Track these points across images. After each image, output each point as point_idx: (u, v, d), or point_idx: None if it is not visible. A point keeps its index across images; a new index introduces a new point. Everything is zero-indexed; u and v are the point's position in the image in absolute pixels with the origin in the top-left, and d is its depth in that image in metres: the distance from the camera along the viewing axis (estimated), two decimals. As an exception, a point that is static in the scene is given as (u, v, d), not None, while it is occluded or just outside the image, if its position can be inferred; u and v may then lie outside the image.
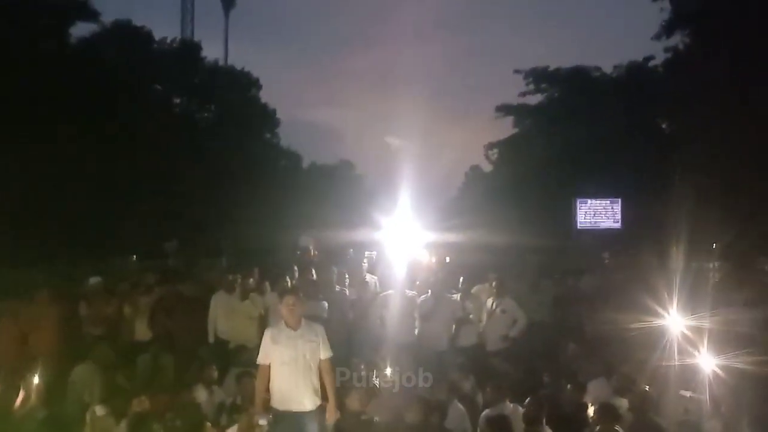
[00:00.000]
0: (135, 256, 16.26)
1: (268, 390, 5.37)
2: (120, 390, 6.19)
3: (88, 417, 5.27)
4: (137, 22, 27.01)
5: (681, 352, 6.18)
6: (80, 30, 24.19)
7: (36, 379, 5.79)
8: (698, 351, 6.29)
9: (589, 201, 19.96)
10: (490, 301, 8.44)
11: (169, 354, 7.62)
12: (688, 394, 5.88)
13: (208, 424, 5.25)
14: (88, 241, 18.42)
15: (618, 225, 19.43)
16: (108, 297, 8.38)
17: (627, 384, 6.32)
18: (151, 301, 8.39)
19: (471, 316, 8.30)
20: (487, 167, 36.80)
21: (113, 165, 20.67)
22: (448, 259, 11.68)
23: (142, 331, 8.24)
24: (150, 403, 5.61)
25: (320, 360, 5.46)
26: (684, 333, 6.39)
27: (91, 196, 19.62)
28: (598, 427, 5.12)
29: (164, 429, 5.25)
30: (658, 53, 22.74)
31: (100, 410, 5.38)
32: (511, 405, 6.04)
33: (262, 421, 5.14)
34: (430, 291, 8.32)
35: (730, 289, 8.07)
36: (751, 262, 10.71)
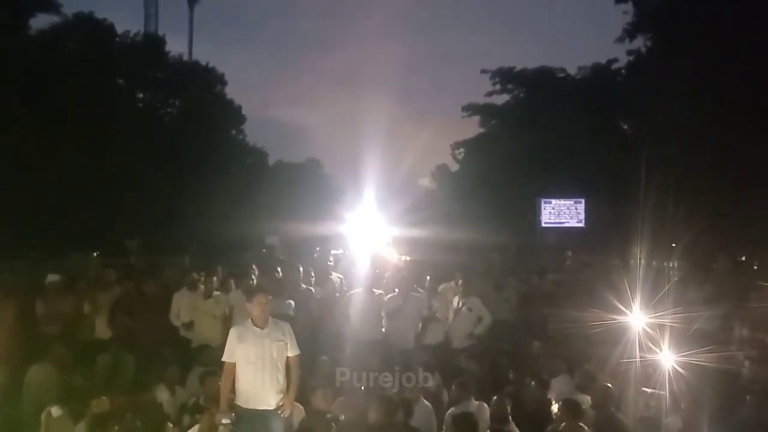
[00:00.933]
0: (96, 254, 15.89)
1: (233, 389, 5.30)
2: (78, 390, 6.00)
3: (43, 418, 5.10)
4: (100, 14, 26.47)
5: (642, 349, 6.26)
6: (41, 21, 23.62)
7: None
8: (659, 348, 6.40)
9: (553, 201, 20.23)
10: (456, 300, 8.47)
11: (129, 353, 7.45)
12: (649, 390, 5.96)
13: (170, 424, 5.12)
14: (47, 238, 17.95)
15: (581, 224, 19.75)
16: (66, 295, 8.15)
17: (589, 381, 6.39)
18: (112, 299, 8.21)
19: (437, 314, 8.31)
20: (454, 166, 37.03)
21: (74, 160, 20.18)
22: (408, 258, 11.69)
23: (101, 329, 8.06)
24: (110, 403, 5.46)
25: (287, 357, 5.45)
26: (645, 330, 6.49)
27: (51, 191, 19.12)
28: (562, 424, 5.14)
29: (124, 430, 5.10)
30: (622, 56, 23.19)
31: (56, 411, 5.21)
32: (477, 403, 6.05)
33: (225, 420, 5.06)
34: (397, 289, 8.28)
35: (690, 288, 8.21)
36: (711, 261, 10.97)
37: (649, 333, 6.50)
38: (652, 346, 6.36)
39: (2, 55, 19.34)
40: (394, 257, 11.32)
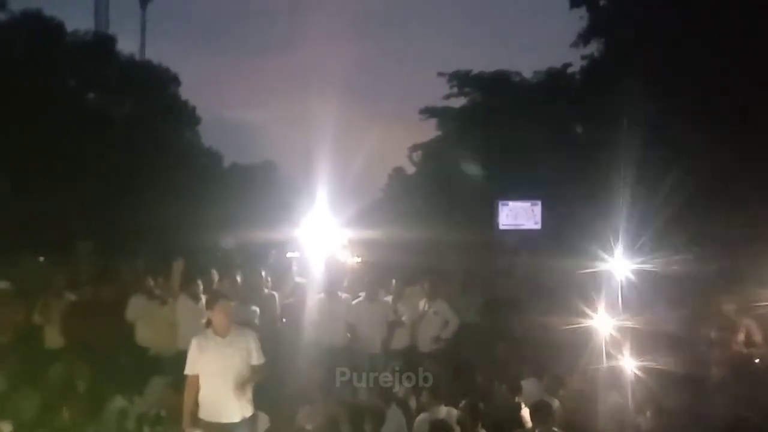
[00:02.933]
0: (42, 258, 15.28)
1: (196, 402, 5.07)
2: (30, 404, 5.68)
3: (-8, 436, 4.80)
4: (48, 12, 25.52)
5: (608, 352, 6.30)
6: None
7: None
8: (624, 351, 6.45)
9: (510, 203, 20.37)
10: (422, 303, 8.40)
11: (84, 362, 7.12)
12: (615, 393, 5.98)
13: None
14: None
15: (538, 226, 19.92)
16: (16, 303, 7.76)
17: (558, 384, 6.39)
18: (63, 306, 7.84)
19: (403, 318, 8.21)
20: (411, 169, 37.07)
21: (22, 161, 19.39)
22: (362, 261, 11.56)
23: (52, 338, 7.69)
24: (67, 416, 5.19)
25: (252, 366, 5.20)
26: (611, 334, 6.53)
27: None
28: (537, 430, 5.10)
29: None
30: (577, 60, 23.55)
31: (6, 427, 4.90)
32: (446, 408, 5.98)
33: None
34: (362, 293, 8.16)
35: (652, 289, 8.33)
36: (671, 262, 11.20)
37: (615, 336, 6.56)
38: (618, 349, 6.42)
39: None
40: (350, 260, 11.19)
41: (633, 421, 5.22)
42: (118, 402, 6.26)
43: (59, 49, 24.96)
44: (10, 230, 18.19)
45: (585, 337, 6.61)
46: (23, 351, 7.11)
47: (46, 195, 19.75)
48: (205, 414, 5.05)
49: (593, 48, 21.89)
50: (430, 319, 8.28)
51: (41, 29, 24.12)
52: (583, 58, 22.63)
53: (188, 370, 5.13)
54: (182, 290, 7.93)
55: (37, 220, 19.32)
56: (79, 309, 7.81)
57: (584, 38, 21.76)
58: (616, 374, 6.08)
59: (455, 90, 28.13)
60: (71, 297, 8.10)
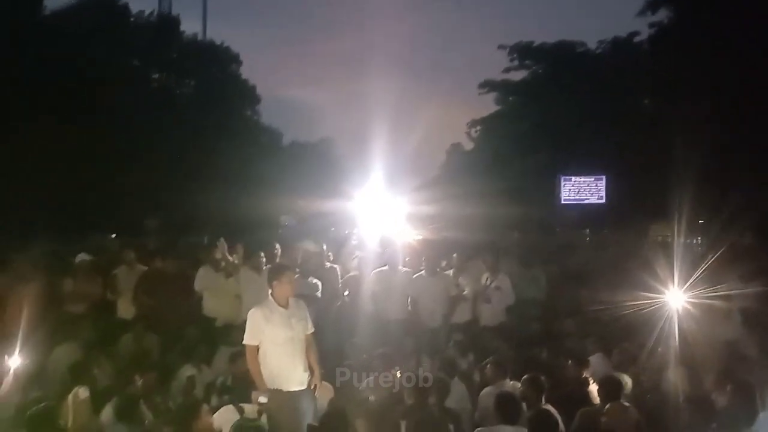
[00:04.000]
0: (114, 235, 15.84)
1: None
2: (104, 371, 5.88)
3: (70, 400, 4.96)
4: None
5: (681, 328, 6.05)
6: (53, 2, 23.37)
7: (12, 361, 5.49)
8: (697, 326, 6.18)
9: (573, 178, 19.89)
10: (484, 277, 8.27)
11: (153, 334, 7.35)
12: (689, 370, 5.73)
13: (206, 406, 4.96)
14: (65, 218, 17.93)
15: (603, 201, 19.39)
16: (95, 275, 8.04)
17: (628, 360, 6.18)
18: (134, 279, 8.08)
19: (465, 292, 8.11)
20: (469, 145, 36.65)
21: (90, 140, 20.07)
22: (421, 237, 11.46)
23: (125, 309, 7.94)
24: (139, 383, 5.35)
25: (306, 336, 5.32)
26: (683, 309, 6.26)
27: (67, 172, 19.01)
28: (606, 405, 4.93)
29: (154, 412, 4.97)
30: (644, 29, 22.61)
31: (83, 393, 5.07)
32: (511, 383, 5.86)
33: (263, 399, 4.91)
34: (423, 268, 8.09)
35: (723, 265, 7.95)
36: (740, 237, 10.68)
37: (688, 312, 6.29)
38: (691, 326, 6.15)
39: (16, 33, 19.13)
40: (409, 236, 11.10)
41: (709, 398, 4.97)
42: (187, 371, 6.42)
43: (124, 30, 25.55)
44: (83, 209, 19.00)
45: (655, 312, 6.37)
46: (98, 321, 7.35)
47: (113, 175, 20.42)
48: (271, 383, 5.10)
49: (662, 15, 20.97)
50: (492, 293, 8.13)
51: (107, 10, 24.72)
52: (651, 26, 21.75)
53: (250, 340, 5.17)
54: (245, 263, 8.11)
55: (107, 200, 20.07)
56: (149, 281, 8.00)
57: (652, 5, 20.87)
58: (689, 350, 5.83)
59: (516, 63, 27.57)
60: (142, 269, 8.32)
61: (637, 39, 23.86)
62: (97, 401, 5.14)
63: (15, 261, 7.81)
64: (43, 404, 4.13)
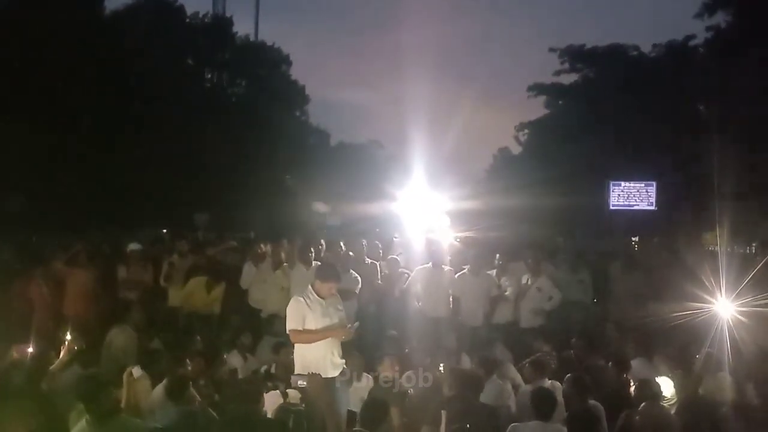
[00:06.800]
0: (165, 231, 16.31)
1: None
2: (156, 353, 6.16)
3: (125, 378, 5.24)
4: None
5: (731, 337, 5.97)
6: (114, 2, 24.26)
7: (70, 339, 5.83)
8: (747, 336, 6.08)
9: (622, 183, 19.54)
10: (525, 278, 8.29)
11: (201, 321, 7.65)
12: (741, 379, 5.65)
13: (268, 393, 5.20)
14: (119, 213, 18.60)
15: (653, 207, 18.99)
16: (147, 263, 8.41)
17: (671, 365, 6.13)
18: (185, 268, 8.40)
19: (507, 293, 8.14)
20: (516, 149, 36.38)
21: (144, 138, 20.78)
22: (464, 237, 11.46)
23: (175, 297, 8.25)
24: (189, 368, 5.60)
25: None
26: (732, 318, 6.17)
27: (120, 171, 19.67)
28: (642, 405, 4.94)
29: (200, 395, 5.20)
30: (701, 32, 22.09)
31: (137, 372, 5.35)
32: (550, 382, 5.89)
33: (302, 383, 5.12)
34: (467, 267, 8.16)
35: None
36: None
37: (739, 320, 6.19)
38: (741, 335, 6.05)
39: (77, 33, 19.88)
40: (453, 237, 11.12)
41: (752, 406, 4.92)
42: (232, 359, 6.67)
43: (180, 31, 26.25)
44: (135, 204, 19.67)
45: (700, 320, 6.30)
46: (150, 307, 7.67)
47: (163, 172, 21.06)
48: (309, 368, 5.31)
49: (719, 18, 20.46)
50: (533, 294, 8.15)
51: (164, 11, 25.47)
52: (708, 29, 21.24)
53: (295, 326, 5.37)
54: (298, 258, 8.31)
55: (158, 195, 20.72)
56: (198, 272, 8.30)
57: (710, 8, 20.40)
58: (733, 357, 5.76)
59: (566, 66, 27.26)
60: (192, 259, 8.64)
61: (692, 42, 23.37)
62: (150, 381, 5.41)
63: (73, 250, 8.23)
64: (99, 377, 4.37)
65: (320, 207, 25.30)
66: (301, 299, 5.46)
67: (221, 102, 27.94)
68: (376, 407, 4.80)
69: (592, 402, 5.09)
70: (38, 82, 18.21)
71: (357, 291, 7.80)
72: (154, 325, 7.24)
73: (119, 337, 6.52)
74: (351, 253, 8.51)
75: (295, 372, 5.40)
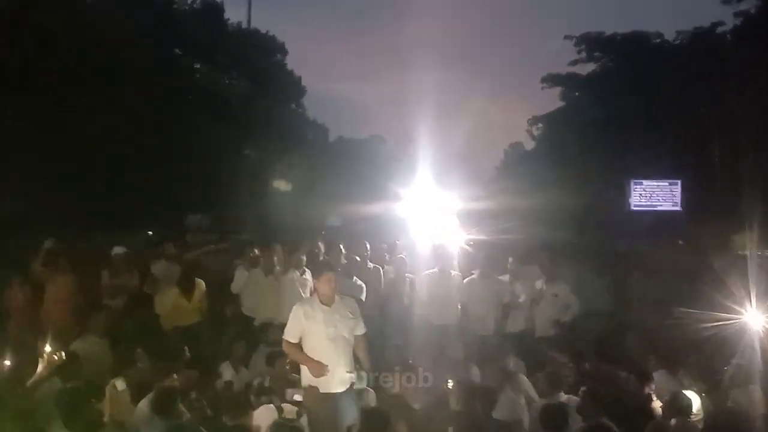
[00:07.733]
0: (151, 233, 16.32)
1: (296, 371, 5.45)
2: (141, 365, 6.16)
3: (108, 391, 5.25)
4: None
5: (755, 347, 5.96)
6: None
7: (50, 350, 5.82)
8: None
9: (644, 182, 19.43)
10: (539, 283, 8.25)
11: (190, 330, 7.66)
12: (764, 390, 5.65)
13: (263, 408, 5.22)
14: (105, 214, 18.61)
15: (678, 208, 18.87)
16: (132, 268, 8.40)
17: (695, 378, 6.13)
18: (172, 274, 8.40)
19: (520, 300, 8.11)
20: (529, 144, 36.36)
21: (133, 133, 20.79)
22: (473, 238, 11.46)
23: (160, 304, 8.23)
24: (177, 380, 5.60)
25: (356, 336, 5.52)
26: (758, 327, 6.16)
27: (105, 167, 19.71)
28: (673, 421, 4.93)
29: (189, 408, 5.20)
30: (728, 18, 22.05)
31: (120, 385, 5.37)
32: (566, 396, 5.89)
33: (297, 397, 5.12)
34: (476, 271, 8.14)
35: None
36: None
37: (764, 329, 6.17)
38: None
39: (60, 27, 19.95)
40: (462, 238, 11.12)
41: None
42: (225, 370, 6.68)
43: (168, 21, 26.15)
44: (123, 205, 19.70)
45: (732, 331, 6.28)
46: (135, 315, 7.68)
47: (153, 172, 21.08)
48: (309, 381, 5.29)
49: (749, 3, 20.41)
50: (549, 301, 8.09)
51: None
52: (736, 15, 21.19)
53: (291, 337, 5.39)
54: (288, 262, 8.36)
55: (148, 196, 20.74)
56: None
57: (739, -8, 20.36)
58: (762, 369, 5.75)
59: (583, 55, 27.16)
60: (179, 266, 8.64)
61: (720, 30, 23.28)
62: (134, 394, 5.42)
63: (52, 253, 8.24)
64: (82, 390, 4.39)
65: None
66: (300, 308, 5.47)
67: (214, 95, 27.89)
68: (376, 420, 4.81)
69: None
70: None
71: (362, 298, 7.80)
72: (140, 335, 7.24)
73: (98, 347, 6.55)
74: (357, 258, 8.53)
75: (302, 385, 5.39)
